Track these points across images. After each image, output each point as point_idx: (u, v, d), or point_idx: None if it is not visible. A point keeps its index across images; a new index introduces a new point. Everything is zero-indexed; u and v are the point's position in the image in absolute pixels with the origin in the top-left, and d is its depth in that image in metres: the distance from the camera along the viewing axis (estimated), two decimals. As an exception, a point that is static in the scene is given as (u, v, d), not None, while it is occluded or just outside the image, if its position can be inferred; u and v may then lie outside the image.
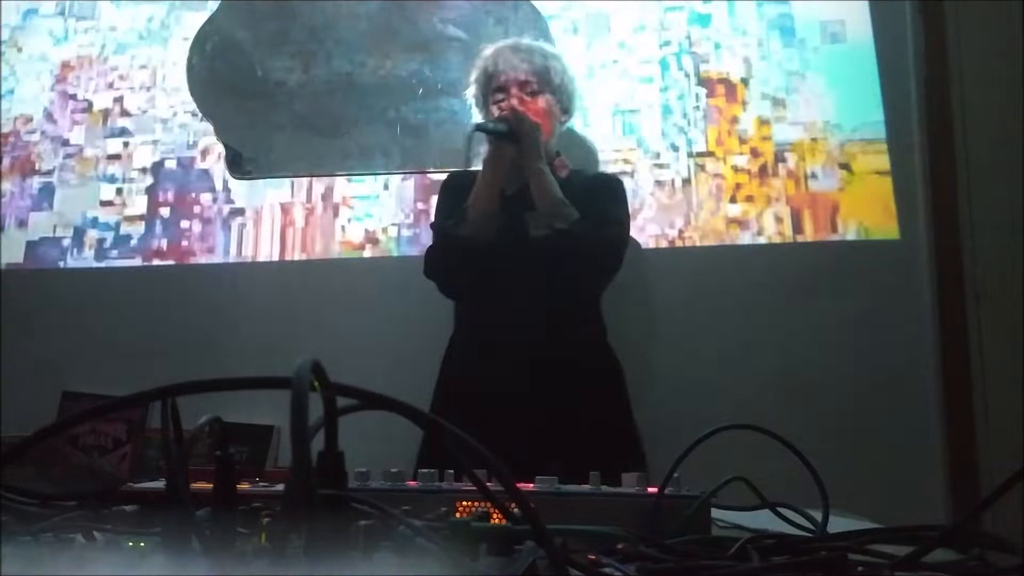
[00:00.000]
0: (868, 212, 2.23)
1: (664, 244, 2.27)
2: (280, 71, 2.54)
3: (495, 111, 1.91)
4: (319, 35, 2.55)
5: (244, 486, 0.72)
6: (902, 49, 2.28)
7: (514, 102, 1.87)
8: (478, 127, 1.81)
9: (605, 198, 1.90)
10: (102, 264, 2.50)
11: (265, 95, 2.53)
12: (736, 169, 2.29)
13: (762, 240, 2.24)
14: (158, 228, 2.50)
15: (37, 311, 2.42)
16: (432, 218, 2.06)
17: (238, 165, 2.51)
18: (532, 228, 1.81)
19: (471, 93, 2.01)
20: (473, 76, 1.99)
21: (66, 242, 2.53)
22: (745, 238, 2.25)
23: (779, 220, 2.24)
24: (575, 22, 2.45)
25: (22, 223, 2.58)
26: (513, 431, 1.64)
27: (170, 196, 2.52)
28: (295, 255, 2.43)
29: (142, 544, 0.52)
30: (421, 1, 2.51)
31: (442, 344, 1.94)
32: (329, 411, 0.46)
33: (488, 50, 1.99)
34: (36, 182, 2.60)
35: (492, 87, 1.92)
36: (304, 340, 2.19)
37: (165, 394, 0.50)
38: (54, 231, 2.55)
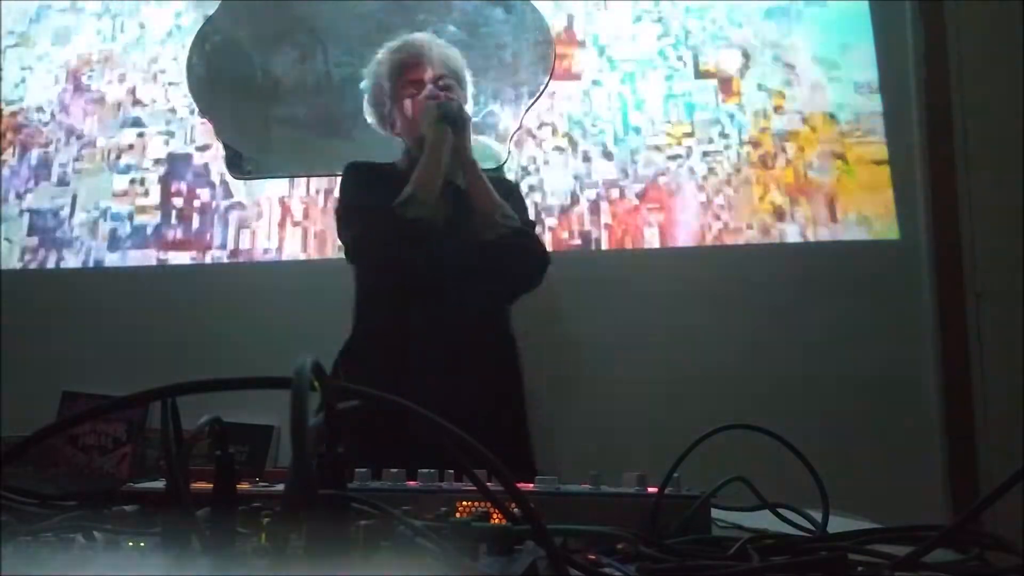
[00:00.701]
0: (867, 203, 2.23)
1: (664, 239, 2.28)
2: (280, 71, 2.54)
3: (408, 103, 1.87)
4: (319, 35, 2.55)
5: (244, 486, 0.72)
6: (902, 49, 2.28)
7: (427, 95, 1.84)
8: (442, 110, 1.79)
9: (516, 201, 1.91)
10: (115, 253, 2.50)
11: (265, 95, 2.53)
12: (734, 162, 2.29)
13: (760, 234, 2.24)
14: (172, 219, 2.51)
15: (37, 311, 2.42)
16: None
17: (238, 165, 2.51)
18: (484, 231, 1.76)
19: (376, 73, 1.94)
20: (385, 61, 1.94)
21: (79, 231, 2.54)
22: (748, 234, 2.25)
23: (778, 210, 2.24)
24: (574, 20, 2.46)
25: (33, 211, 2.58)
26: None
27: (182, 188, 2.53)
28: (294, 254, 2.43)
29: (142, 544, 0.52)
30: (421, 1, 2.51)
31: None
32: (329, 411, 0.46)
33: (398, 42, 1.95)
34: (45, 169, 2.61)
35: (407, 77, 1.90)
36: (304, 340, 2.19)
37: (165, 394, 0.50)
38: (68, 220, 2.55)
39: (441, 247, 1.73)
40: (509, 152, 2.38)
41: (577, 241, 2.30)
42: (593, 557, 0.58)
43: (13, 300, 2.41)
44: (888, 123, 2.26)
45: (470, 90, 1.99)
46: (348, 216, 1.87)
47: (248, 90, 2.54)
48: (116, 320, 2.38)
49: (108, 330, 2.37)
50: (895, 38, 2.30)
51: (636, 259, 2.24)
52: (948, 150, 2.20)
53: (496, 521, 0.58)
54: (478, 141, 2.14)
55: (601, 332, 2.05)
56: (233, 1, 2.61)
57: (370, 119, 1.99)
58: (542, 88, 2.41)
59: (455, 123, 1.79)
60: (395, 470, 0.80)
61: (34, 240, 2.56)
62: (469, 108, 1.96)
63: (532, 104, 2.41)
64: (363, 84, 1.99)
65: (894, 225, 2.22)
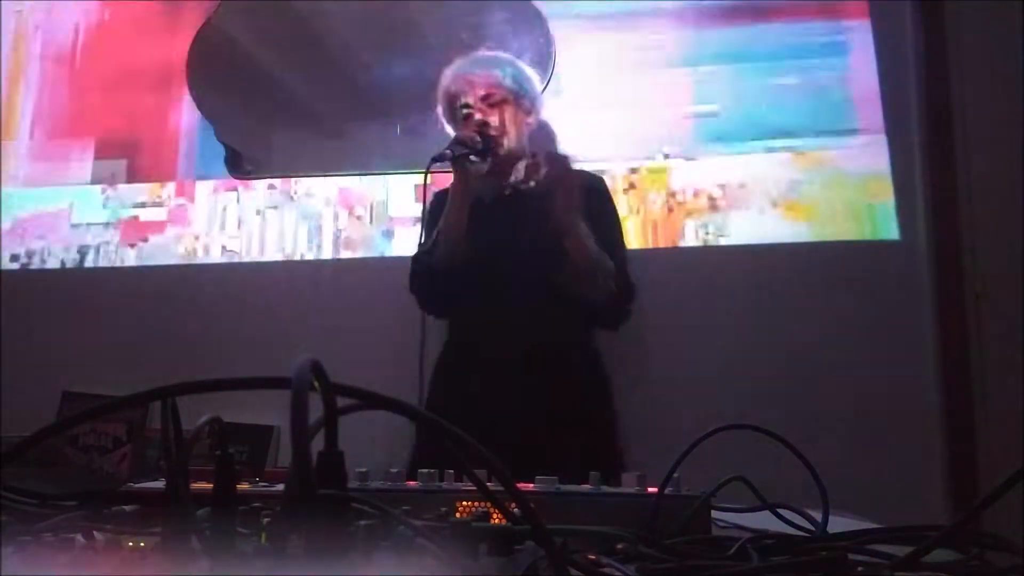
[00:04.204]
0: (857, 209, 2.23)
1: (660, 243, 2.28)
2: (280, 71, 2.54)
3: (462, 126, 1.95)
4: (319, 35, 2.54)
5: (244, 486, 0.72)
6: (902, 49, 2.28)
7: (477, 116, 1.91)
8: (444, 157, 1.82)
9: (604, 214, 1.95)
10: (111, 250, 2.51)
11: (265, 95, 2.53)
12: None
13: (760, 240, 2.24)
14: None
15: (37, 311, 2.42)
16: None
17: (238, 165, 2.51)
18: (578, 285, 1.82)
19: (439, 113, 2.05)
20: (438, 97, 2.04)
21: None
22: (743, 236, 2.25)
23: (776, 217, 2.25)
24: (575, 21, 2.46)
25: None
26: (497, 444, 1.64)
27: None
28: (295, 254, 2.43)
29: (142, 544, 0.52)
30: (421, 1, 2.51)
31: (441, 345, 1.95)
32: (329, 411, 0.46)
33: (446, 70, 2.03)
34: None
35: (456, 104, 1.98)
36: (304, 340, 2.19)
37: (165, 394, 0.50)
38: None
39: (468, 279, 1.83)
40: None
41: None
42: (593, 557, 0.58)
43: (13, 300, 2.41)
44: (888, 124, 2.26)
45: (532, 86, 2.02)
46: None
47: (248, 90, 2.54)
48: (116, 320, 2.38)
49: (108, 330, 2.37)
50: (895, 38, 2.30)
51: (634, 259, 2.23)
52: (948, 150, 2.20)
53: (496, 521, 0.58)
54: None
55: (600, 332, 2.04)
56: (233, 1, 2.61)
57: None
58: (542, 88, 2.40)
59: (480, 153, 1.84)
60: (395, 470, 0.80)
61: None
62: (535, 113, 2.01)
63: (532, 104, 2.40)
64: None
65: (894, 225, 2.21)
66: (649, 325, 2.18)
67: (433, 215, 1.97)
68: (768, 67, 2.34)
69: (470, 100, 1.94)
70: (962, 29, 2.24)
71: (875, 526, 0.74)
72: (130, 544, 0.53)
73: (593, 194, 1.97)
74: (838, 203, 2.24)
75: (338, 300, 2.31)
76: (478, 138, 1.85)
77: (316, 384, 0.43)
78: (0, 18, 2.71)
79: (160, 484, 0.73)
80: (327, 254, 2.42)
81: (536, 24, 2.45)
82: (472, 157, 1.83)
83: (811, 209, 2.24)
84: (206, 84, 2.57)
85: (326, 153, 2.47)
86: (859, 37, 2.32)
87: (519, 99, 1.98)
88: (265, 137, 2.53)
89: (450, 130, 2.03)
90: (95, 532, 0.55)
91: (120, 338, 2.35)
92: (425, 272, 1.88)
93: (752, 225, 2.24)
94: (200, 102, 2.56)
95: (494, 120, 1.91)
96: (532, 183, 1.94)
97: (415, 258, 1.92)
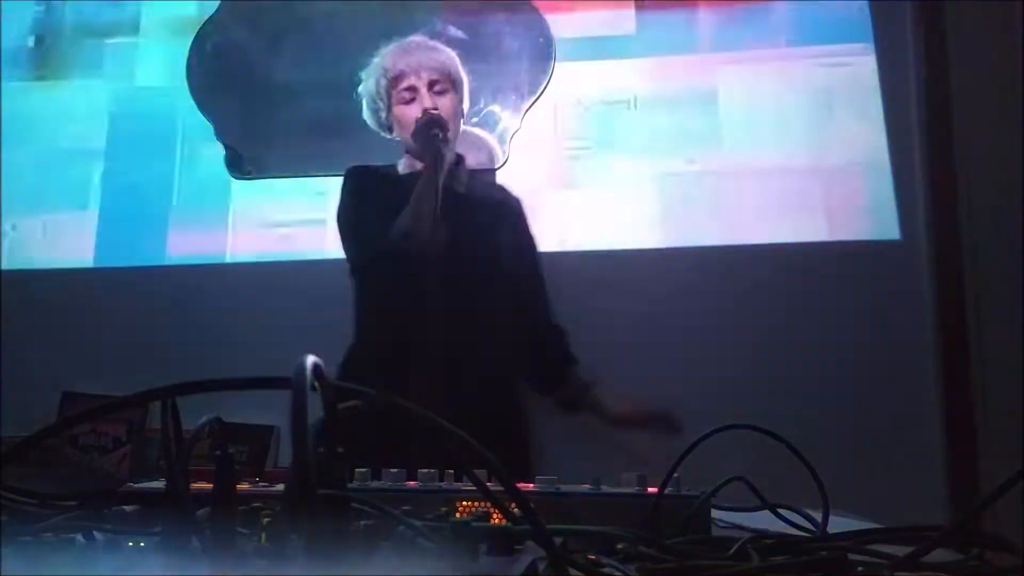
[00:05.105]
0: (857, 209, 2.23)
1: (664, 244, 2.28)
2: (280, 71, 2.54)
3: (403, 109, 1.85)
4: (319, 35, 2.54)
5: (244, 486, 0.72)
6: (902, 50, 2.28)
7: (426, 102, 1.82)
8: (431, 130, 1.72)
9: (522, 225, 1.95)
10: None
11: (265, 95, 2.53)
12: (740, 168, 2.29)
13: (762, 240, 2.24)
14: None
15: (37, 311, 2.42)
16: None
17: (238, 165, 2.51)
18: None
19: (368, 88, 1.93)
20: (376, 70, 1.91)
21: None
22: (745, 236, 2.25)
23: (777, 218, 2.25)
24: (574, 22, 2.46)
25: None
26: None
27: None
28: (294, 254, 2.43)
29: (142, 544, 0.52)
30: (421, 1, 2.51)
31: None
32: (329, 411, 0.46)
33: (393, 46, 1.94)
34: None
35: (400, 85, 1.86)
36: (303, 340, 2.18)
37: (165, 394, 0.50)
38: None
39: (447, 263, 1.66)
40: (507, 154, 2.38)
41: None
42: (593, 557, 0.58)
43: (13, 300, 2.40)
44: (888, 125, 2.26)
45: (466, 90, 1.95)
46: (346, 232, 1.92)
47: (248, 90, 2.54)
48: (116, 320, 2.38)
49: (108, 330, 2.37)
50: (895, 38, 2.30)
51: (635, 259, 2.24)
52: (948, 150, 2.20)
53: (496, 521, 0.58)
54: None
55: (601, 333, 2.05)
56: (233, 1, 2.61)
57: (369, 122, 1.97)
58: (542, 88, 2.41)
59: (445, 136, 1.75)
60: (395, 470, 0.80)
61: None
62: (466, 106, 1.95)
63: (532, 104, 2.40)
64: (360, 88, 1.96)
65: (894, 225, 2.21)
66: (648, 325, 2.18)
67: (368, 193, 1.88)
68: (768, 64, 2.34)
69: (416, 83, 1.85)
70: (962, 29, 2.24)
71: (875, 526, 0.74)
72: (130, 544, 0.53)
73: (519, 215, 1.96)
74: (837, 202, 2.24)
75: (338, 300, 2.30)
76: (445, 121, 1.76)
77: (316, 384, 0.43)
78: (0, 18, 2.71)
79: (160, 484, 0.73)
80: (328, 253, 2.42)
81: (536, 24, 2.45)
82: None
83: (811, 208, 2.24)
84: (206, 84, 2.57)
85: (326, 153, 2.46)
86: (861, 36, 2.33)
87: (461, 91, 1.91)
88: (265, 137, 2.52)
89: (371, 103, 1.93)
90: (95, 532, 0.55)
91: (120, 338, 2.35)
92: (409, 247, 1.67)
93: (752, 225, 2.24)
94: (200, 102, 2.56)
95: (444, 107, 1.83)
96: (462, 187, 1.89)
97: (402, 235, 1.71)
